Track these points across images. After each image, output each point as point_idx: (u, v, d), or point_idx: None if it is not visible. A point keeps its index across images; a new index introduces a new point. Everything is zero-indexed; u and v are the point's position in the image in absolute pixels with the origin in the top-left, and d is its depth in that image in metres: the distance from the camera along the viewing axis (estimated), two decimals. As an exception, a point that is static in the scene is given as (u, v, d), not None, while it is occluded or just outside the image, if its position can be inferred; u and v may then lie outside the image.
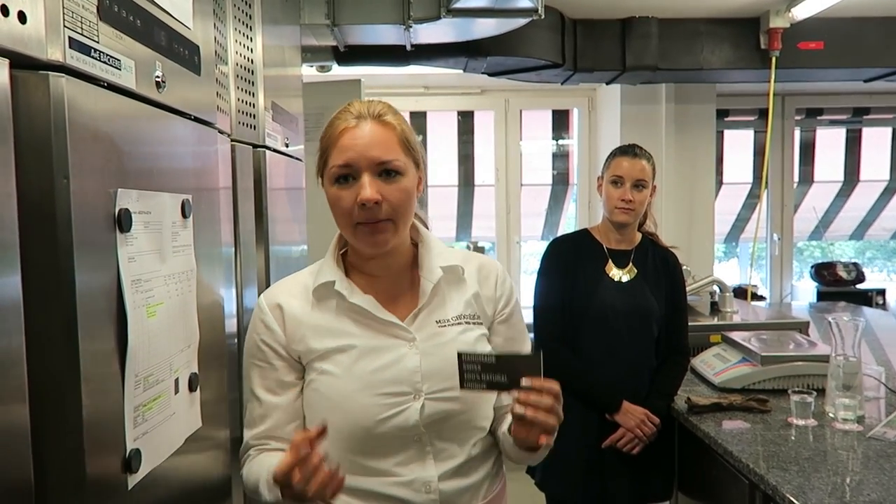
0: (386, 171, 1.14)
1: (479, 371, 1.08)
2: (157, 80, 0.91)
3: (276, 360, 1.20)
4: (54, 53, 0.70)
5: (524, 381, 1.06)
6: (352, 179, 1.13)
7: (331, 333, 1.19)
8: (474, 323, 1.24)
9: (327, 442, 1.14)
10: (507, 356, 1.12)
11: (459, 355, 1.08)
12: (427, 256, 1.25)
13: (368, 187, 1.11)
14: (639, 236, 2.27)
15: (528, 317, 1.66)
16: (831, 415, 2.00)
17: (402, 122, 1.20)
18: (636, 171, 2.15)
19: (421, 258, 1.25)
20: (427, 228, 1.31)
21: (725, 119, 5.12)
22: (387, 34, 2.84)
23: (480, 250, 3.67)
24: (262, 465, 1.16)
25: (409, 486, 1.16)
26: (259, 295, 1.28)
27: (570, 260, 2.20)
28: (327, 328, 1.19)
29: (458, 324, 1.22)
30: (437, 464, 1.18)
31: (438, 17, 2.61)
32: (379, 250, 1.18)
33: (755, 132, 5.26)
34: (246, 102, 1.49)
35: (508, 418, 1.18)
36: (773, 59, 3.61)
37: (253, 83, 1.55)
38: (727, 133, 5.26)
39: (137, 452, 0.84)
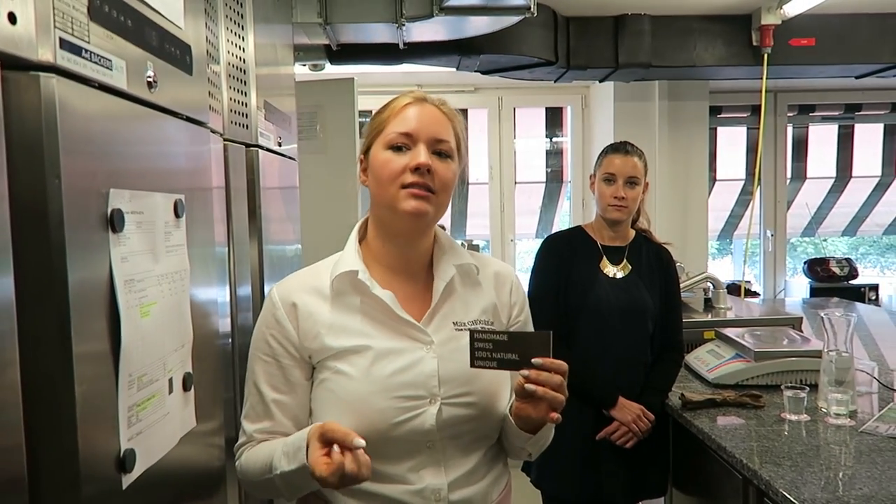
0: (439, 152, 1.19)
1: (490, 350, 1.08)
2: (149, 79, 0.91)
3: (285, 357, 1.19)
4: (45, 54, 0.70)
5: (535, 360, 1.07)
6: (406, 149, 1.18)
7: (346, 332, 1.18)
8: None
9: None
10: (519, 334, 1.12)
11: (471, 332, 1.09)
12: (441, 256, 1.26)
13: (424, 154, 1.16)
14: (632, 233, 2.27)
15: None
16: (824, 410, 2.01)
17: (457, 118, 1.25)
18: (628, 167, 2.16)
19: (436, 258, 1.26)
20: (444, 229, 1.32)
21: (718, 116, 5.14)
22: (379, 32, 2.84)
23: (475, 248, 3.67)
24: (271, 445, 1.16)
25: (420, 494, 1.16)
26: (254, 290, 1.27)
27: (564, 257, 2.20)
28: (343, 326, 1.18)
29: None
30: (447, 471, 1.18)
31: (431, 15, 2.62)
32: (417, 221, 1.18)
33: (748, 129, 5.28)
34: (238, 102, 1.49)
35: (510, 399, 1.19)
36: (766, 56, 3.63)
37: (245, 82, 1.55)
38: (720, 130, 5.28)
39: (132, 452, 0.84)
